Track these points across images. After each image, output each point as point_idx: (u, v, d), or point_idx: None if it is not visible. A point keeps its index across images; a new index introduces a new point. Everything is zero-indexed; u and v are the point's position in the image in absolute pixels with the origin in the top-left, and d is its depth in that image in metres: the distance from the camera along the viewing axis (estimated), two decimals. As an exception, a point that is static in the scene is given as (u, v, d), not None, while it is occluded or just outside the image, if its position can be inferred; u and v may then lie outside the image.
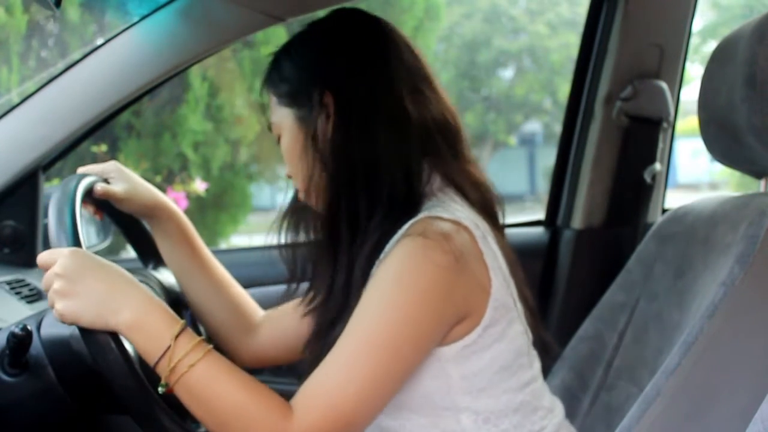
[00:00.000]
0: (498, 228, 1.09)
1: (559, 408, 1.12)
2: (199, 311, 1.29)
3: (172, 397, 0.93)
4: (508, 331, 1.03)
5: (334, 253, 1.05)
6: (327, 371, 0.93)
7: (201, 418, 0.93)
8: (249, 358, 1.29)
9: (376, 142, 1.03)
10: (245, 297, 1.31)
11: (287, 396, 1.40)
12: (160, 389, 0.92)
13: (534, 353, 1.11)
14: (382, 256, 1.00)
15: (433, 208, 1.01)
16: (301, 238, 1.15)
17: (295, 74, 1.08)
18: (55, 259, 0.93)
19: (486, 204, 1.09)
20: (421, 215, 1.00)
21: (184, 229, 1.27)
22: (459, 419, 1.02)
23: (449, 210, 1.00)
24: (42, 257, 0.95)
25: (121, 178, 1.21)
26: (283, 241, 1.15)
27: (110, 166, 1.23)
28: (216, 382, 0.92)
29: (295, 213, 1.15)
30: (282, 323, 1.28)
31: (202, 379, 0.91)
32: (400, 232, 0.99)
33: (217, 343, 1.29)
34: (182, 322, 0.93)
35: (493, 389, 1.02)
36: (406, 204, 1.02)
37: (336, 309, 1.05)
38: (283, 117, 1.09)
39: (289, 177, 1.13)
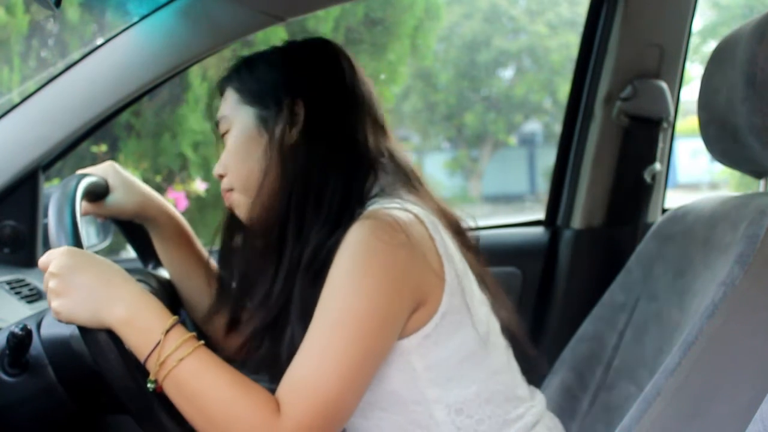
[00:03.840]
0: (453, 227, 1.11)
1: (539, 398, 1.13)
2: (196, 311, 1.29)
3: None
4: (467, 319, 1.03)
5: (277, 258, 1.06)
6: (304, 362, 0.94)
7: (189, 415, 0.93)
8: (232, 350, 1.28)
9: (332, 162, 1.06)
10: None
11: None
12: (149, 385, 0.92)
13: (502, 342, 1.12)
14: (323, 252, 1.02)
15: (383, 201, 1.04)
16: (237, 244, 1.18)
17: (270, 77, 1.11)
18: (51, 259, 0.94)
19: (445, 213, 1.12)
20: (370, 208, 1.02)
21: (180, 230, 1.28)
22: (431, 413, 1.02)
23: (398, 202, 1.03)
24: (42, 259, 0.95)
25: (116, 181, 1.22)
26: (221, 248, 1.18)
27: (107, 169, 1.23)
28: (204, 377, 0.92)
29: (233, 220, 1.17)
30: None
31: (190, 374, 0.92)
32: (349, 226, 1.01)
33: (218, 342, 1.29)
34: (174, 318, 0.94)
35: (462, 379, 1.03)
36: (344, 208, 1.05)
37: (273, 313, 1.06)
38: (242, 113, 1.11)
39: (221, 177, 1.14)
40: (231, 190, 1.13)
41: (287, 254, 1.05)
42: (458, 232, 1.12)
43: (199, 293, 1.28)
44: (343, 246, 0.98)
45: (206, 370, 0.92)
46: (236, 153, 1.11)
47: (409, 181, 1.11)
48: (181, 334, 0.93)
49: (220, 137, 1.16)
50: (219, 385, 0.92)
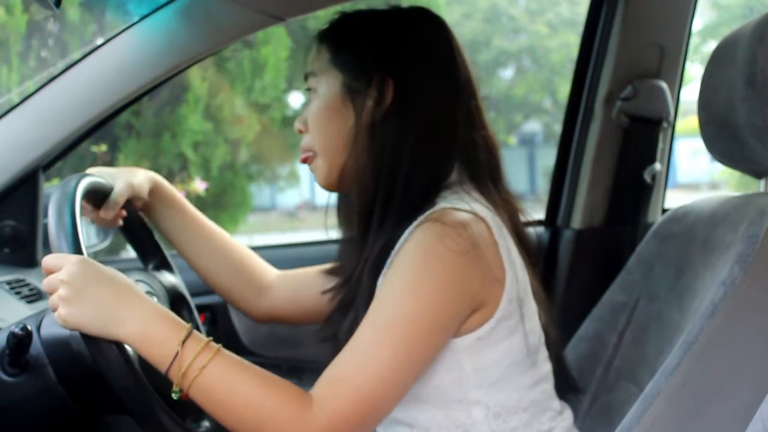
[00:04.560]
0: (517, 228, 1.10)
1: (568, 412, 1.12)
2: (206, 275, 1.30)
3: (171, 397, 0.93)
4: (521, 326, 1.03)
5: (362, 242, 1.05)
6: (347, 358, 0.94)
7: (219, 419, 0.93)
8: (261, 315, 1.31)
9: (417, 146, 1.03)
10: (252, 256, 1.33)
11: None
12: (173, 395, 0.92)
13: (545, 353, 1.11)
14: (396, 246, 1.00)
15: (451, 199, 1.02)
16: (343, 228, 1.17)
17: (364, 46, 1.07)
18: (61, 265, 0.93)
19: (506, 202, 1.10)
20: (438, 206, 1.00)
21: (175, 197, 1.29)
22: (470, 413, 1.02)
23: (466, 202, 1.01)
24: (48, 260, 0.94)
25: (113, 175, 1.22)
26: (336, 235, 1.18)
27: (95, 171, 1.22)
28: (229, 380, 0.92)
29: (342, 205, 1.17)
30: (299, 285, 1.30)
31: (214, 379, 0.91)
32: (416, 222, 0.99)
33: (230, 303, 1.32)
34: (188, 326, 0.93)
35: (505, 384, 1.02)
36: (424, 201, 1.02)
37: (350, 296, 1.06)
38: (330, 75, 1.08)
39: (301, 131, 1.11)
40: (311, 152, 1.10)
41: (370, 238, 1.04)
42: (520, 235, 1.10)
43: (208, 256, 1.28)
44: (408, 247, 0.97)
45: (230, 373, 0.92)
46: (319, 117, 1.08)
47: (486, 174, 1.08)
48: (198, 342, 0.92)
49: (307, 89, 1.12)
50: (246, 385, 0.92)
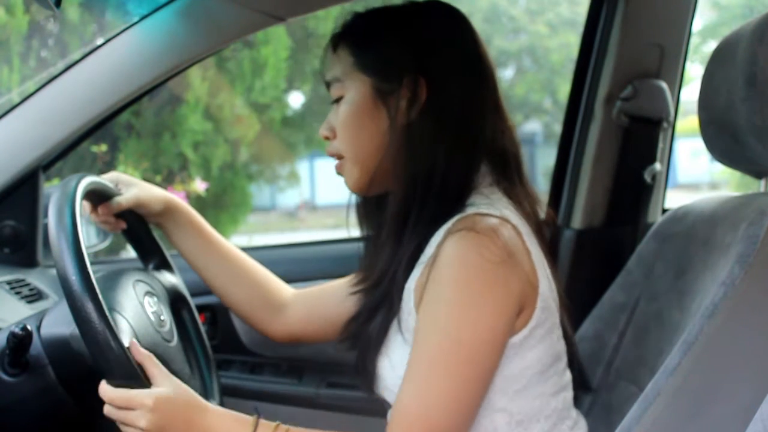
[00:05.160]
0: (541, 233, 1.09)
1: (583, 422, 1.12)
2: (223, 295, 1.30)
3: None
4: (550, 334, 1.02)
5: (395, 245, 1.04)
6: (410, 391, 0.94)
7: None
8: (279, 335, 1.31)
9: (450, 144, 1.02)
10: (268, 276, 1.33)
11: (287, 395, 1.44)
12: None
13: (566, 361, 1.10)
14: (427, 249, 0.99)
15: (480, 205, 1.00)
16: (366, 229, 1.16)
17: (392, 47, 1.04)
18: (134, 406, 0.95)
19: (531, 206, 1.08)
20: (468, 211, 0.99)
21: (194, 219, 1.29)
22: (493, 419, 1.01)
23: (495, 207, 1.00)
24: (116, 398, 0.95)
25: (129, 183, 1.23)
26: (357, 233, 1.17)
27: (114, 176, 1.24)
28: None
29: (363, 205, 1.15)
30: (315, 302, 1.29)
31: None
32: (446, 226, 0.98)
33: (248, 323, 1.32)
34: (254, 418, 0.97)
35: (529, 391, 1.01)
36: (455, 201, 1.01)
37: (380, 297, 1.05)
38: (357, 81, 1.05)
39: (326, 138, 1.10)
40: (341, 157, 1.08)
41: (405, 239, 1.02)
42: (541, 236, 1.08)
43: (224, 276, 1.29)
44: (445, 260, 0.94)
45: None
46: (349, 124, 1.05)
47: (514, 169, 1.07)
48: (268, 428, 0.97)
49: (333, 100, 1.09)
50: None
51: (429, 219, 1.00)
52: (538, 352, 1.01)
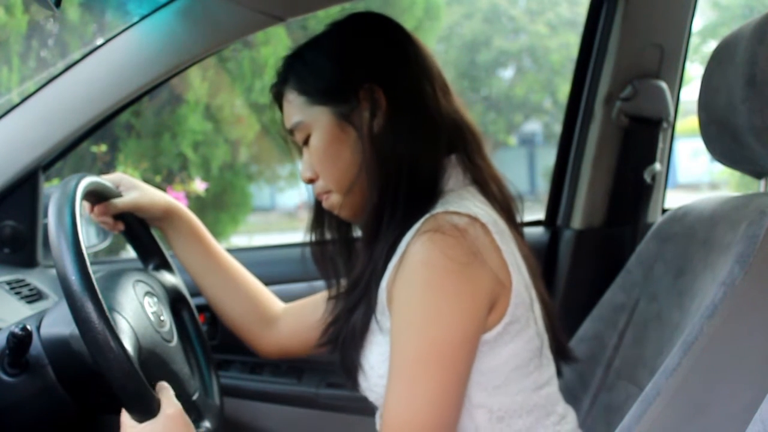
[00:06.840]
0: (516, 228, 1.10)
1: (571, 416, 1.12)
2: (217, 306, 1.31)
3: None
4: (526, 329, 1.03)
5: (370, 248, 1.05)
6: (394, 399, 0.95)
7: None
8: (269, 349, 1.31)
9: (419, 136, 1.04)
10: (262, 289, 1.33)
11: (288, 395, 1.44)
12: None
13: (549, 356, 1.11)
14: (398, 248, 1.00)
15: (449, 203, 1.01)
16: (329, 235, 1.17)
17: (335, 69, 1.06)
18: None
19: (505, 200, 1.10)
20: (438, 209, 1.00)
21: (195, 228, 1.29)
22: (473, 415, 1.02)
23: (465, 206, 1.00)
24: None
25: (131, 186, 1.23)
26: (312, 239, 1.18)
27: (117, 177, 1.24)
28: None
29: (321, 214, 1.16)
30: (303, 316, 1.30)
31: None
32: (416, 226, 0.99)
33: (237, 335, 1.32)
34: None
35: (508, 388, 1.02)
36: (428, 199, 1.03)
37: (357, 298, 1.06)
38: (317, 115, 1.06)
39: (311, 181, 1.11)
40: (328, 192, 1.09)
41: (380, 242, 1.03)
42: (516, 228, 1.10)
43: (220, 287, 1.29)
44: (412, 264, 0.95)
45: None
46: (325, 157, 1.06)
47: (471, 150, 1.08)
48: None
49: (299, 144, 1.11)
50: None
51: (401, 218, 1.02)
52: (515, 348, 1.02)
